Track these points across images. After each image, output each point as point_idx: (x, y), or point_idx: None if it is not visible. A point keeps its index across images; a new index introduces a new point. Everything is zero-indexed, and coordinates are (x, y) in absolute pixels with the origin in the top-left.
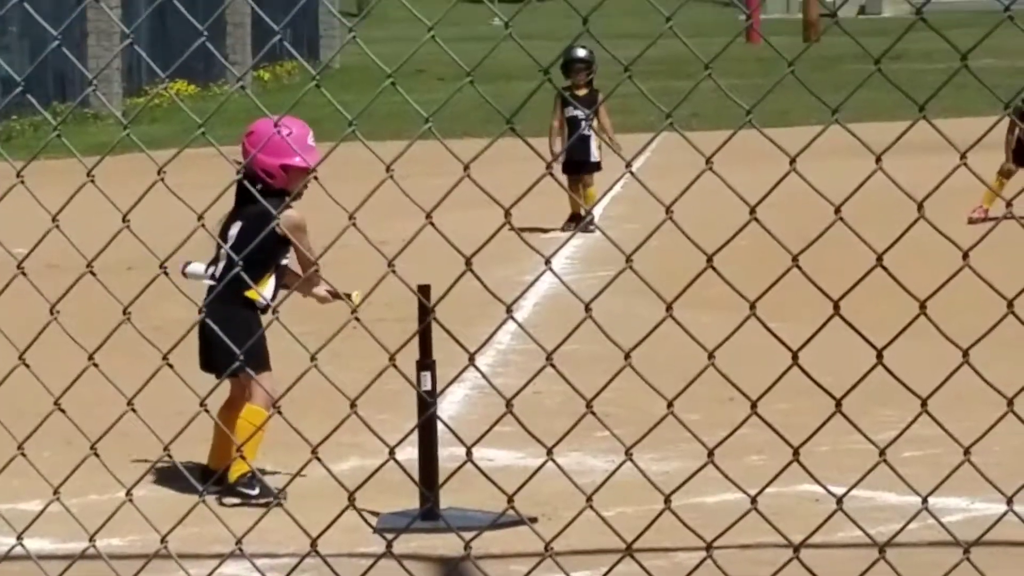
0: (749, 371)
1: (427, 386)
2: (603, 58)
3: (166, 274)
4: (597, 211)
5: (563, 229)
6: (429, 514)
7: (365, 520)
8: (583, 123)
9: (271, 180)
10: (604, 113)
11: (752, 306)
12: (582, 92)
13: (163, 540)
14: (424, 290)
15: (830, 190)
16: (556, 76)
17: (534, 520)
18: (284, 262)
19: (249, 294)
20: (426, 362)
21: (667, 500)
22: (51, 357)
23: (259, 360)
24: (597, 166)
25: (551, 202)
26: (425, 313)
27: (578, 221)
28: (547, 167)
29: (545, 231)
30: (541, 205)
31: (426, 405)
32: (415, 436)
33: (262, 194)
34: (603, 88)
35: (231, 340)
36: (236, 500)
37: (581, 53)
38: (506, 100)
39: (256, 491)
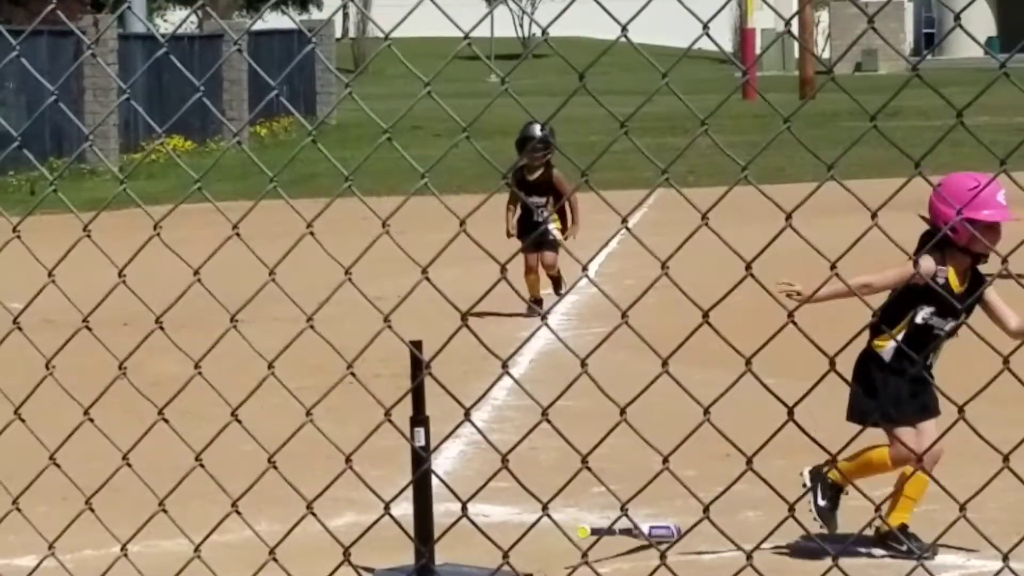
0: (745, 427)
1: (421, 442)
2: (600, 115)
3: (162, 329)
4: (592, 268)
5: (528, 313)
6: (424, 570)
7: None
8: (539, 210)
9: (953, 235)
10: (566, 187)
11: (748, 362)
12: (537, 174)
13: None
14: (417, 345)
15: (826, 246)
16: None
17: None
18: (924, 320)
19: (875, 344)
20: (419, 418)
21: (663, 556)
22: (46, 412)
23: (891, 415)
24: (555, 245)
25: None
26: (418, 369)
27: (540, 304)
28: (508, 235)
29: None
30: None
31: (420, 461)
32: (410, 492)
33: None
34: (592, 145)
35: (861, 390)
36: (882, 551)
37: (539, 131)
38: (502, 156)
39: (904, 547)
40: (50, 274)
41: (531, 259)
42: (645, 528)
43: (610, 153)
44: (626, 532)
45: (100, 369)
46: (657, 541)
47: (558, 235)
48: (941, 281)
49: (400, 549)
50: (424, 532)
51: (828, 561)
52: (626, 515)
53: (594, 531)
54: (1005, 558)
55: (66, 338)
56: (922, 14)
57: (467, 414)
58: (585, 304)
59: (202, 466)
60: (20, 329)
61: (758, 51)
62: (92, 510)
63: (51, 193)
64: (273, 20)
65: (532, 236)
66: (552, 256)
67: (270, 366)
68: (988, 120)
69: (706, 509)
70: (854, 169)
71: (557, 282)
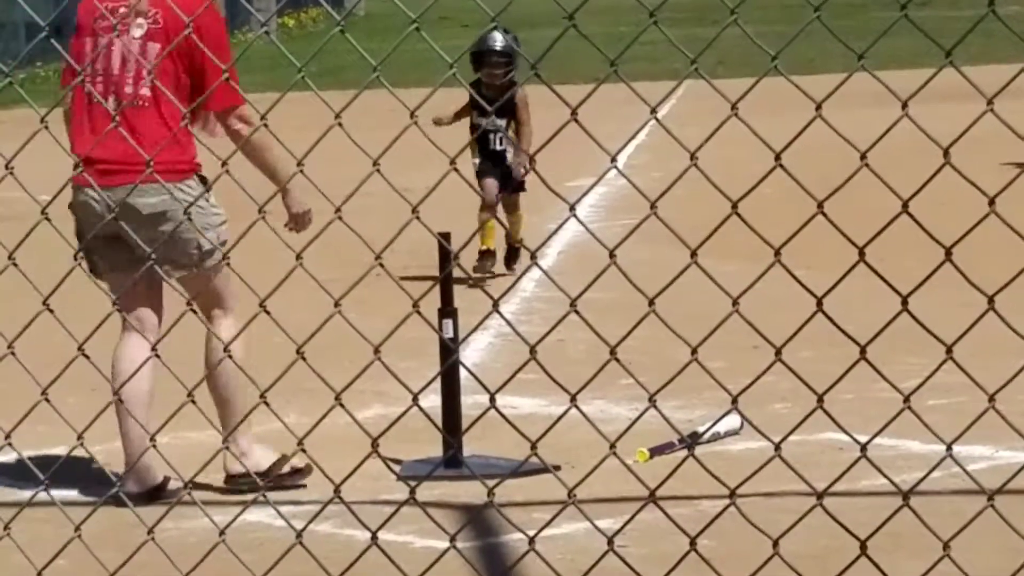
0: (774, 319)
1: (449, 333)
2: (628, 5)
3: (190, 220)
4: (621, 160)
5: (475, 271)
6: (452, 461)
7: (388, 467)
8: (494, 136)
9: None
10: (525, 115)
11: (777, 253)
12: (496, 92)
13: (187, 486)
14: (445, 237)
15: (856, 138)
16: (580, 23)
17: (557, 468)
18: None
19: None
20: (448, 309)
21: (691, 448)
22: (75, 303)
23: None
24: (519, 186)
25: (575, 149)
26: (447, 260)
27: (491, 257)
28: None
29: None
30: (566, 153)
31: (449, 352)
32: (438, 383)
33: None
34: (620, 36)
35: None
36: None
37: (499, 43)
38: (530, 47)
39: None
40: (77, 166)
41: (489, 186)
42: (703, 428)
43: (639, 44)
44: (686, 444)
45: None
46: (727, 435)
47: (520, 172)
48: None
49: (428, 441)
50: (452, 424)
51: (856, 452)
52: (678, 433)
53: (652, 452)
54: None
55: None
56: None
57: (495, 305)
58: (613, 196)
59: (231, 357)
60: (48, 220)
61: None
62: (121, 401)
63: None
64: None
65: (501, 178)
66: (516, 199)
67: (298, 257)
68: (1020, 9)
69: (734, 400)
70: (884, 60)
71: (514, 252)
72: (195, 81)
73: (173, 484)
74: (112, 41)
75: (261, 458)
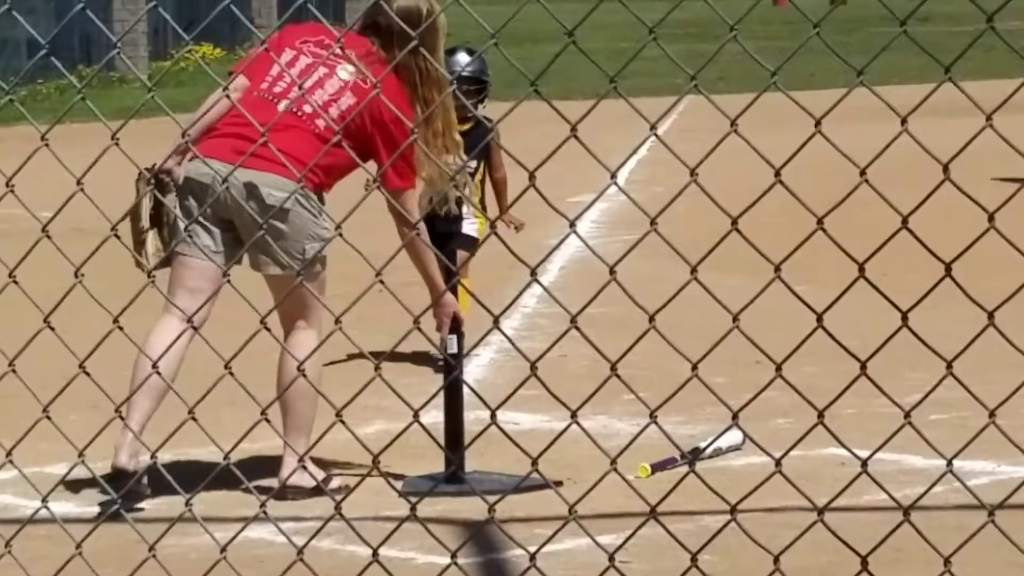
0: (775, 334)
1: (453, 349)
2: (629, 21)
3: (191, 237)
4: (621, 175)
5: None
6: (454, 477)
7: (390, 483)
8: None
9: None
10: (499, 158)
11: (777, 269)
12: (465, 127)
13: (188, 503)
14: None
15: (856, 153)
16: (581, 39)
17: (559, 483)
18: None
19: None
20: (452, 325)
21: (692, 464)
22: (76, 320)
23: None
24: (470, 241)
25: (576, 165)
26: (449, 276)
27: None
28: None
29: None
30: (567, 169)
31: (451, 368)
32: (440, 399)
33: None
34: (621, 51)
35: None
36: None
37: (467, 69)
38: (532, 63)
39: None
40: (79, 182)
41: (449, 254)
42: (705, 443)
43: (639, 60)
44: (688, 459)
45: (129, 277)
46: (728, 450)
47: (472, 227)
48: None
49: (430, 457)
50: (454, 440)
51: (857, 467)
52: (679, 449)
53: (654, 467)
54: None
55: (95, 246)
56: None
57: (496, 322)
58: (614, 212)
59: (232, 374)
60: (49, 237)
61: None
62: (122, 418)
63: (80, 101)
64: None
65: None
66: (462, 257)
67: (299, 275)
68: (1020, 24)
69: (735, 416)
70: (884, 75)
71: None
72: (363, 149)
73: (177, 498)
74: (313, 64)
75: (310, 476)
